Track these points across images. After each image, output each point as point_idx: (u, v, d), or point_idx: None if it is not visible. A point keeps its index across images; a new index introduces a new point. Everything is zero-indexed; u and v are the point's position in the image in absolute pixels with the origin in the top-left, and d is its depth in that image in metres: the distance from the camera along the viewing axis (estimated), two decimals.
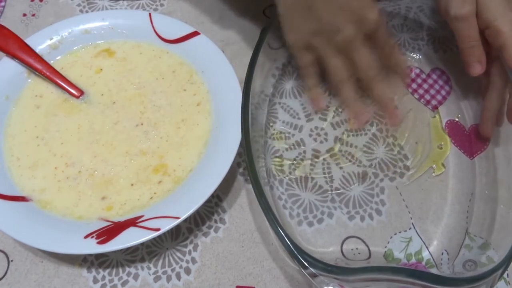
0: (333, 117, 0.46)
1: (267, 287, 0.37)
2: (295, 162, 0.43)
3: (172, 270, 0.38)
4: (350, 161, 0.43)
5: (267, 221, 0.33)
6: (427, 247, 0.39)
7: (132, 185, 0.38)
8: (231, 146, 0.38)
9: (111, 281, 0.37)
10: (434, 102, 0.47)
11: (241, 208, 0.41)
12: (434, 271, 0.38)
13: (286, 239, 0.32)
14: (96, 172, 0.39)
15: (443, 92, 0.47)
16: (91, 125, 0.41)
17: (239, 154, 0.40)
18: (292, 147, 0.44)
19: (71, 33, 0.46)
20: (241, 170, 0.43)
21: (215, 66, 0.44)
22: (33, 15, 0.51)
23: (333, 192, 0.42)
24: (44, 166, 0.39)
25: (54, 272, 0.37)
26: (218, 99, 0.43)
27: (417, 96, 0.47)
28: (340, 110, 0.46)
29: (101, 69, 0.44)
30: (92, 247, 0.34)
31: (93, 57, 0.45)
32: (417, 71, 0.49)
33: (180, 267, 0.38)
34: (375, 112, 0.45)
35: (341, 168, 0.43)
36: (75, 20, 0.46)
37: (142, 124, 0.41)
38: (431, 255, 0.39)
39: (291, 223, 0.40)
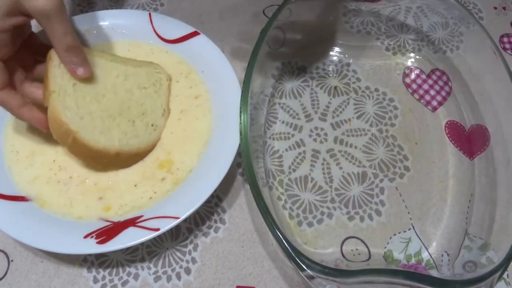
0: (333, 117, 0.46)
1: (267, 287, 0.37)
2: (295, 162, 0.43)
3: (172, 270, 0.38)
4: (350, 161, 0.43)
5: (265, 223, 0.33)
6: (426, 248, 0.39)
7: (135, 185, 0.39)
8: (231, 146, 0.38)
9: (111, 281, 0.37)
10: (434, 103, 0.47)
11: (241, 208, 0.41)
12: (434, 272, 0.38)
13: (284, 241, 0.32)
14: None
15: (443, 93, 0.47)
16: None
17: (239, 154, 0.40)
18: (292, 147, 0.44)
19: None
20: (241, 170, 0.43)
21: (215, 66, 0.44)
22: None
23: (333, 192, 0.42)
24: (40, 166, 0.39)
25: (54, 272, 0.38)
26: (218, 99, 0.43)
27: (417, 97, 0.47)
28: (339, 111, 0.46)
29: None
30: (92, 247, 0.34)
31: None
32: (417, 71, 0.49)
33: (180, 267, 0.38)
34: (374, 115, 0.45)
35: (341, 168, 0.43)
36: (75, 20, 0.46)
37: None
38: (430, 256, 0.39)
39: (291, 223, 0.40)
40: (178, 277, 0.38)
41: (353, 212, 0.41)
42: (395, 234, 0.40)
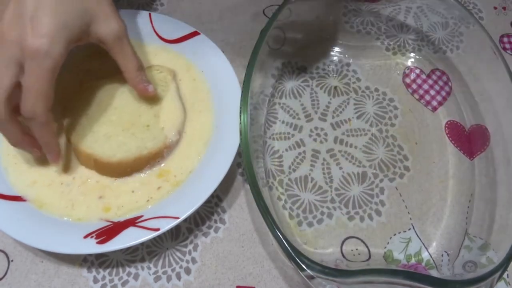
0: (333, 117, 0.46)
1: (267, 287, 0.37)
2: (295, 162, 0.43)
3: (172, 270, 0.38)
4: (350, 161, 0.43)
5: (265, 223, 0.33)
6: (426, 248, 0.39)
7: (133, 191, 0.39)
8: (231, 146, 0.38)
9: (111, 281, 0.37)
10: (434, 103, 0.47)
11: (241, 208, 0.41)
12: (434, 272, 0.38)
13: (284, 241, 0.32)
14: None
15: (443, 93, 0.47)
16: None
17: (239, 154, 0.40)
18: (292, 147, 0.44)
19: None
20: (241, 170, 0.43)
21: (215, 66, 0.44)
22: None
23: (333, 192, 0.42)
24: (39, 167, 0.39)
25: (54, 272, 0.38)
26: (218, 99, 0.43)
27: (417, 97, 0.47)
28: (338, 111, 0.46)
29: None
30: (92, 247, 0.34)
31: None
32: (417, 71, 0.49)
33: (180, 267, 0.38)
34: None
35: (341, 168, 0.43)
36: None
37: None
38: (430, 256, 0.39)
39: (291, 223, 0.40)
40: (178, 277, 0.38)
41: (353, 212, 0.41)
42: (395, 234, 0.40)
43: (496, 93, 0.43)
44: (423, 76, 0.49)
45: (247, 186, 0.42)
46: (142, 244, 0.39)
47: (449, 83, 0.48)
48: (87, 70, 0.44)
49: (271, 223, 0.32)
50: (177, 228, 0.40)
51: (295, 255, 0.31)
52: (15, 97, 0.33)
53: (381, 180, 0.42)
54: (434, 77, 0.48)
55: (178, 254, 0.39)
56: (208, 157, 0.39)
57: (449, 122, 0.46)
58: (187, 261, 0.38)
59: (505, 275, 0.39)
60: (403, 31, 0.51)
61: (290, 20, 0.45)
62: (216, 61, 0.44)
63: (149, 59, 0.45)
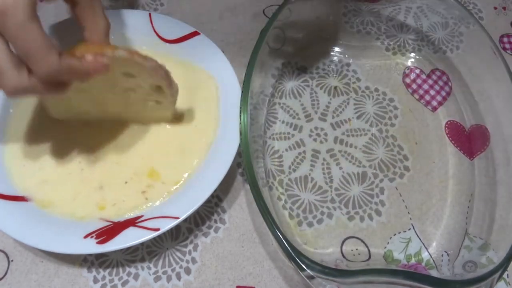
0: (333, 117, 0.46)
1: (267, 287, 0.37)
2: (295, 162, 0.43)
3: (172, 270, 0.38)
4: (350, 161, 0.43)
5: (265, 223, 0.33)
6: (426, 248, 0.39)
7: (126, 182, 0.39)
8: (231, 146, 0.38)
9: (111, 281, 0.37)
10: (434, 103, 0.47)
11: (241, 208, 0.41)
12: (434, 272, 0.38)
13: (284, 241, 0.32)
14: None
15: (443, 93, 0.47)
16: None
17: (239, 154, 0.40)
18: (292, 147, 0.44)
19: None
20: (241, 170, 0.43)
21: (215, 66, 0.44)
22: None
23: (333, 192, 0.42)
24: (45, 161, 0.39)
25: (54, 272, 0.38)
26: (218, 99, 0.43)
27: (417, 97, 0.47)
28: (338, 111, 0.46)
29: None
30: (92, 247, 0.34)
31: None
32: (417, 71, 0.49)
33: (180, 267, 0.38)
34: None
35: (341, 168, 0.43)
36: (75, 21, 0.46)
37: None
38: (430, 256, 0.39)
39: (291, 223, 0.40)
40: (178, 277, 0.38)
41: (353, 212, 0.41)
42: (395, 234, 0.40)
43: (496, 93, 0.43)
44: (423, 76, 0.49)
45: (247, 186, 0.42)
46: (142, 244, 0.39)
47: (449, 83, 0.48)
48: None
49: (271, 223, 0.32)
50: (177, 228, 0.40)
51: (295, 255, 0.31)
52: None
53: (381, 180, 0.42)
54: (434, 77, 0.48)
55: (178, 254, 0.39)
56: (208, 157, 0.39)
57: (449, 122, 0.46)
58: (187, 261, 0.38)
59: (505, 275, 0.39)
60: (403, 31, 0.51)
61: (290, 20, 0.45)
62: (216, 61, 0.44)
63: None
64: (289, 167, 0.43)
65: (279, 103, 0.46)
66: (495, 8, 0.56)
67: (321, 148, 0.44)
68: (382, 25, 0.51)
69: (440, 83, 0.48)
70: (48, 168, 0.39)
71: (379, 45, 0.50)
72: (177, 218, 0.35)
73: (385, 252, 0.39)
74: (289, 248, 0.32)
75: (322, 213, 0.41)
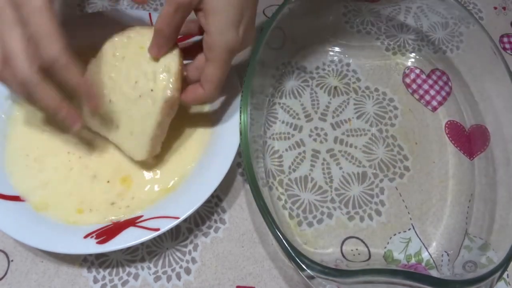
0: (333, 117, 0.46)
1: (267, 287, 0.37)
2: (295, 162, 0.43)
3: (172, 270, 0.38)
4: (350, 161, 0.43)
5: (265, 223, 0.33)
6: (426, 248, 0.39)
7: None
8: (230, 146, 0.38)
9: (111, 281, 0.37)
10: (434, 103, 0.47)
11: (241, 208, 0.41)
12: (434, 272, 0.38)
13: (284, 241, 0.32)
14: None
15: (443, 93, 0.47)
16: None
17: (239, 154, 0.40)
18: (292, 147, 0.44)
19: None
20: (241, 170, 0.43)
21: None
22: None
23: (333, 192, 0.42)
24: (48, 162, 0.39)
25: (54, 272, 0.38)
26: (218, 99, 0.43)
27: (417, 97, 0.47)
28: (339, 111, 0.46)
29: None
30: (92, 247, 0.34)
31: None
32: (417, 71, 0.49)
33: (180, 267, 0.38)
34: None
35: (341, 168, 0.43)
36: (75, 20, 0.46)
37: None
38: (430, 256, 0.39)
39: (291, 223, 0.40)
40: (178, 277, 0.38)
41: (353, 212, 0.41)
42: (395, 234, 0.40)
43: (496, 93, 0.43)
44: (423, 76, 0.49)
45: (247, 186, 0.42)
46: (142, 244, 0.39)
47: (449, 83, 0.48)
48: None
49: (271, 223, 0.32)
50: (177, 228, 0.40)
51: (295, 255, 0.31)
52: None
53: (381, 180, 0.42)
54: (434, 77, 0.48)
55: (178, 254, 0.39)
56: (208, 157, 0.39)
57: (449, 122, 0.46)
58: (187, 261, 0.38)
59: (505, 275, 0.39)
60: (403, 31, 0.51)
61: (290, 20, 0.45)
62: None
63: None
64: (289, 167, 0.43)
65: (279, 103, 0.46)
66: (495, 8, 0.56)
67: (321, 148, 0.44)
68: (382, 25, 0.51)
69: (440, 83, 0.48)
70: (48, 170, 0.39)
71: (379, 45, 0.50)
72: (177, 218, 0.35)
73: (385, 252, 0.39)
74: (289, 248, 0.32)
75: (322, 213, 0.41)
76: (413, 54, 0.50)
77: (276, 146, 0.44)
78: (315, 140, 0.44)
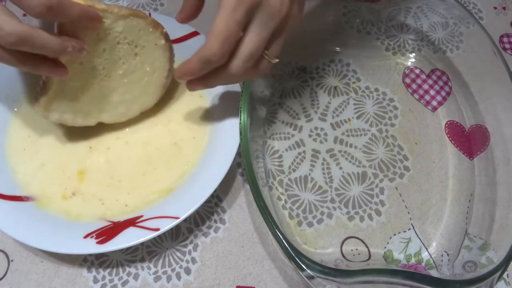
0: (333, 117, 0.46)
1: (267, 287, 0.37)
2: (295, 162, 0.43)
3: (172, 270, 0.38)
4: (350, 161, 0.43)
5: (265, 223, 0.33)
6: (426, 248, 0.39)
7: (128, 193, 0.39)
8: (230, 146, 0.38)
9: (111, 281, 0.37)
10: (434, 103, 0.47)
11: (241, 208, 0.41)
12: (433, 272, 0.38)
13: (284, 241, 0.32)
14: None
15: (443, 93, 0.47)
16: None
17: (239, 154, 0.40)
18: (292, 147, 0.44)
19: None
20: (240, 170, 0.43)
21: None
22: None
23: (333, 192, 0.42)
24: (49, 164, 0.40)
25: (54, 272, 0.38)
26: (218, 99, 0.43)
27: (417, 97, 0.47)
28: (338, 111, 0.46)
29: None
30: (92, 247, 0.34)
31: None
32: (417, 71, 0.49)
33: (180, 267, 0.38)
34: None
35: (341, 168, 0.43)
36: None
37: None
38: (430, 256, 0.39)
39: (291, 223, 0.40)
40: (178, 277, 0.38)
41: (353, 212, 0.41)
42: (395, 234, 0.40)
43: (496, 93, 0.43)
44: (423, 76, 0.49)
45: (247, 186, 0.42)
46: (142, 244, 0.39)
47: (449, 83, 0.48)
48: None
49: (271, 223, 0.32)
50: (177, 228, 0.40)
51: (295, 255, 0.31)
52: None
53: (381, 180, 0.42)
54: (434, 77, 0.48)
55: (178, 254, 0.39)
56: (208, 157, 0.39)
57: (449, 122, 0.46)
58: (187, 261, 0.38)
59: (505, 275, 0.39)
60: (403, 31, 0.51)
61: None
62: None
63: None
64: (289, 167, 0.43)
65: (279, 103, 0.46)
66: (495, 8, 0.56)
67: (321, 148, 0.44)
68: (382, 25, 0.51)
69: (440, 83, 0.48)
70: (49, 165, 0.39)
71: (379, 45, 0.50)
72: (177, 218, 0.35)
73: (385, 252, 0.39)
74: (289, 248, 0.32)
75: (322, 213, 0.41)
76: (413, 54, 0.50)
77: (276, 146, 0.44)
78: (315, 140, 0.44)
